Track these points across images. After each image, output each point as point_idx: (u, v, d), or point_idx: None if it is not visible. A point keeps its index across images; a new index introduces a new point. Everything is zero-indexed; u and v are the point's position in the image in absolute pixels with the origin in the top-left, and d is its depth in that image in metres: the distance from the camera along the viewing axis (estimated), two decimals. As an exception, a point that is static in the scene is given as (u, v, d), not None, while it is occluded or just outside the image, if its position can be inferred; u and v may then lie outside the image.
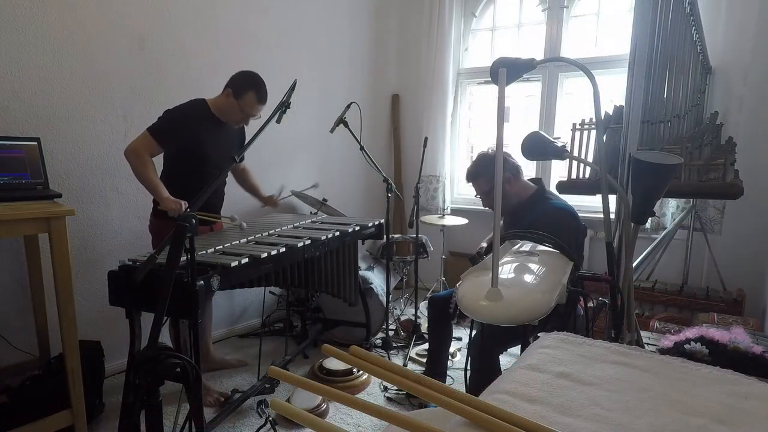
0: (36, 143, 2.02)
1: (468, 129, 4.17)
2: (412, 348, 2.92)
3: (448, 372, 2.56)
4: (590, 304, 1.49)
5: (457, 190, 4.14)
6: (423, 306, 3.36)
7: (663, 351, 1.58)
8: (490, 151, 2.25)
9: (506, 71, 1.21)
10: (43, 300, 2.14)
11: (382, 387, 2.48)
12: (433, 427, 0.70)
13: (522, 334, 1.56)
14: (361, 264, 3.07)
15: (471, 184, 2.26)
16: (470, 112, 4.15)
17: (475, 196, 2.31)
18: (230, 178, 2.53)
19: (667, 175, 1.25)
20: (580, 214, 2.10)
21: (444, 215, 3.44)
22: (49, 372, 2.00)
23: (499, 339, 1.92)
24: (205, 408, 2.08)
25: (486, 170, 2.17)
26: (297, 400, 2.22)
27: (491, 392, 0.88)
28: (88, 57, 2.30)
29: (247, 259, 1.71)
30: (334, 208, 3.17)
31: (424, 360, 2.58)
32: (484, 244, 2.38)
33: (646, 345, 1.90)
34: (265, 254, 1.78)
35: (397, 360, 2.81)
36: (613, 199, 1.51)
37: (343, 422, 2.19)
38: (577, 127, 1.64)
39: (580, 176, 1.63)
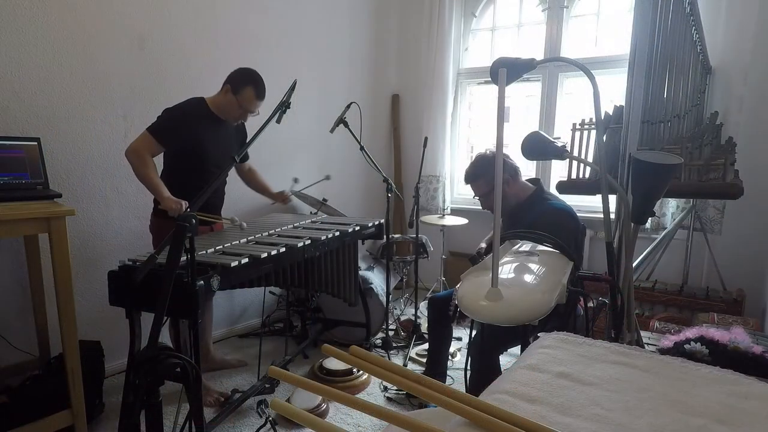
0: (36, 143, 2.02)
1: (468, 129, 4.17)
2: (412, 348, 2.92)
3: (448, 372, 2.56)
4: (590, 304, 1.49)
5: (457, 190, 4.14)
6: (423, 306, 3.36)
7: (663, 351, 1.58)
8: (488, 152, 2.24)
9: (506, 71, 1.21)
10: (43, 300, 2.14)
11: (382, 387, 2.48)
12: (433, 427, 0.70)
13: (522, 334, 1.56)
14: (361, 264, 3.07)
15: (469, 185, 2.26)
16: (470, 112, 4.15)
17: (474, 197, 2.31)
18: (233, 179, 2.53)
19: (667, 175, 1.25)
20: (580, 214, 2.10)
21: (444, 215, 3.44)
22: (49, 372, 2.00)
23: (499, 339, 1.92)
24: (205, 408, 2.08)
25: (485, 172, 2.16)
26: (297, 400, 2.22)
27: (491, 392, 0.88)
28: (88, 57, 2.30)
29: (247, 259, 1.71)
30: (334, 208, 3.17)
31: (424, 360, 2.58)
32: (483, 245, 2.38)
33: (646, 345, 1.90)
34: (265, 254, 1.78)
35: (397, 360, 2.81)
36: (613, 199, 1.51)
37: (343, 422, 2.19)
38: (577, 127, 1.64)
39: (580, 176, 1.63)
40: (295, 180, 2.90)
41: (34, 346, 2.18)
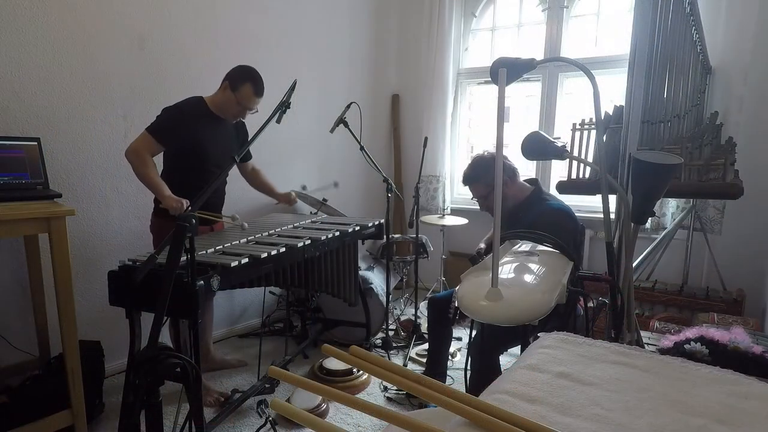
0: (36, 143, 2.02)
1: (468, 129, 4.17)
2: (412, 348, 2.92)
3: (448, 372, 2.56)
4: (590, 304, 1.49)
5: (457, 190, 4.14)
6: (423, 306, 3.36)
7: (663, 351, 1.58)
8: (486, 153, 2.24)
9: (506, 71, 1.21)
10: (43, 300, 2.14)
11: (382, 387, 2.48)
12: (433, 427, 0.70)
13: (522, 334, 1.56)
14: (361, 264, 3.07)
15: (468, 187, 2.26)
16: (470, 112, 4.15)
17: (472, 199, 2.30)
18: (232, 179, 2.52)
19: (667, 175, 1.25)
20: (579, 214, 2.10)
21: (444, 215, 3.44)
22: (49, 372, 2.00)
23: (499, 339, 1.92)
24: (205, 408, 2.08)
25: (483, 173, 2.16)
26: (297, 400, 2.22)
27: (491, 392, 0.88)
28: (88, 57, 2.30)
29: (247, 259, 1.71)
30: (334, 208, 3.17)
31: (424, 360, 2.58)
32: (483, 245, 2.38)
33: (646, 345, 1.90)
34: (265, 254, 1.78)
35: (397, 360, 2.81)
36: (613, 199, 1.51)
37: (343, 422, 2.19)
38: (577, 127, 1.64)
39: (580, 176, 1.63)
40: (303, 187, 2.89)
41: (34, 346, 2.18)
